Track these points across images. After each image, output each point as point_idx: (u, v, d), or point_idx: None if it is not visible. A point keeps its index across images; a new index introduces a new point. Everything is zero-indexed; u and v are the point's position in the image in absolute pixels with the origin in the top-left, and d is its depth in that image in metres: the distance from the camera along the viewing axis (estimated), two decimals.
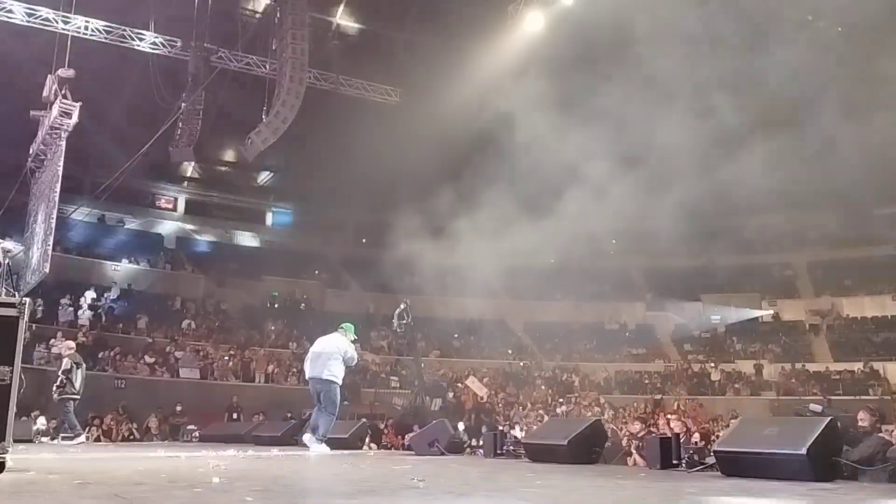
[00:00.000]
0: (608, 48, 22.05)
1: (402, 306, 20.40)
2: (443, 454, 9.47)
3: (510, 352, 31.12)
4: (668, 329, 32.97)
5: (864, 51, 23.05)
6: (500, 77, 23.18)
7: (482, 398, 24.54)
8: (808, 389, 27.21)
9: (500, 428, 19.01)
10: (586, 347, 32.22)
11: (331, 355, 10.13)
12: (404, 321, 20.30)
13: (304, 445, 10.16)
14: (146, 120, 23.58)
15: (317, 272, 32.85)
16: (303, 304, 30.26)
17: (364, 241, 35.01)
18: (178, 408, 20.28)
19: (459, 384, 25.37)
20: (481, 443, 11.79)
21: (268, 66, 23.97)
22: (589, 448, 7.98)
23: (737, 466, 6.04)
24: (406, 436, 16.93)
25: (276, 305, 29.94)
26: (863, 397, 25.67)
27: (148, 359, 22.57)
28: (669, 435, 11.21)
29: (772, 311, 33.00)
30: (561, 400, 26.43)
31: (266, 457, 8.81)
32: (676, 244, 31.48)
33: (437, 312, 29.42)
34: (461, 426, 18.40)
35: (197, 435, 17.89)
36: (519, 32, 23.02)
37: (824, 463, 5.71)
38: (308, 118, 23.65)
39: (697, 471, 6.73)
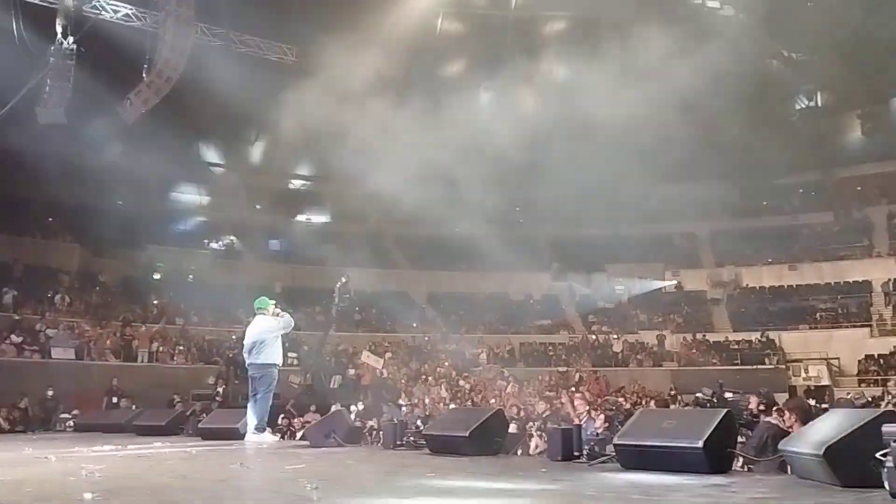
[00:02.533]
0: None
1: (343, 279, 20.36)
2: (340, 446, 9.00)
3: (414, 325, 30.26)
4: (573, 300, 32.89)
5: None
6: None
7: (380, 371, 23.80)
8: (708, 360, 27.74)
9: (403, 407, 18.40)
10: (491, 319, 31.75)
11: (263, 340, 9.91)
12: (347, 295, 20.38)
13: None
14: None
15: (206, 241, 31.05)
16: (191, 276, 28.11)
17: (258, 207, 33.44)
18: (50, 393, 18.64)
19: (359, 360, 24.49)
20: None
21: (149, 19, 22.12)
22: (490, 438, 7.83)
23: (636, 459, 6.14)
24: (303, 416, 16.11)
25: (159, 277, 27.71)
26: (759, 366, 26.34)
27: (15, 338, 20.59)
28: (573, 415, 10.86)
29: (675, 282, 33.32)
30: (466, 374, 25.89)
31: (148, 455, 8.28)
32: (582, 214, 31.46)
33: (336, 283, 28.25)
34: (360, 406, 17.73)
35: (72, 424, 16.45)
36: None
37: (720, 455, 5.83)
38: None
39: (597, 463, 6.70)
